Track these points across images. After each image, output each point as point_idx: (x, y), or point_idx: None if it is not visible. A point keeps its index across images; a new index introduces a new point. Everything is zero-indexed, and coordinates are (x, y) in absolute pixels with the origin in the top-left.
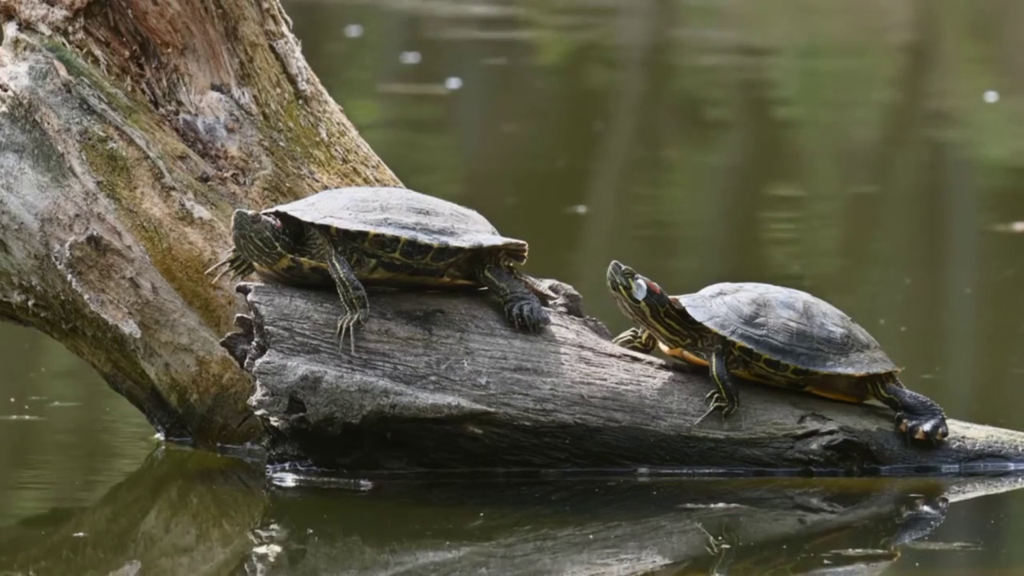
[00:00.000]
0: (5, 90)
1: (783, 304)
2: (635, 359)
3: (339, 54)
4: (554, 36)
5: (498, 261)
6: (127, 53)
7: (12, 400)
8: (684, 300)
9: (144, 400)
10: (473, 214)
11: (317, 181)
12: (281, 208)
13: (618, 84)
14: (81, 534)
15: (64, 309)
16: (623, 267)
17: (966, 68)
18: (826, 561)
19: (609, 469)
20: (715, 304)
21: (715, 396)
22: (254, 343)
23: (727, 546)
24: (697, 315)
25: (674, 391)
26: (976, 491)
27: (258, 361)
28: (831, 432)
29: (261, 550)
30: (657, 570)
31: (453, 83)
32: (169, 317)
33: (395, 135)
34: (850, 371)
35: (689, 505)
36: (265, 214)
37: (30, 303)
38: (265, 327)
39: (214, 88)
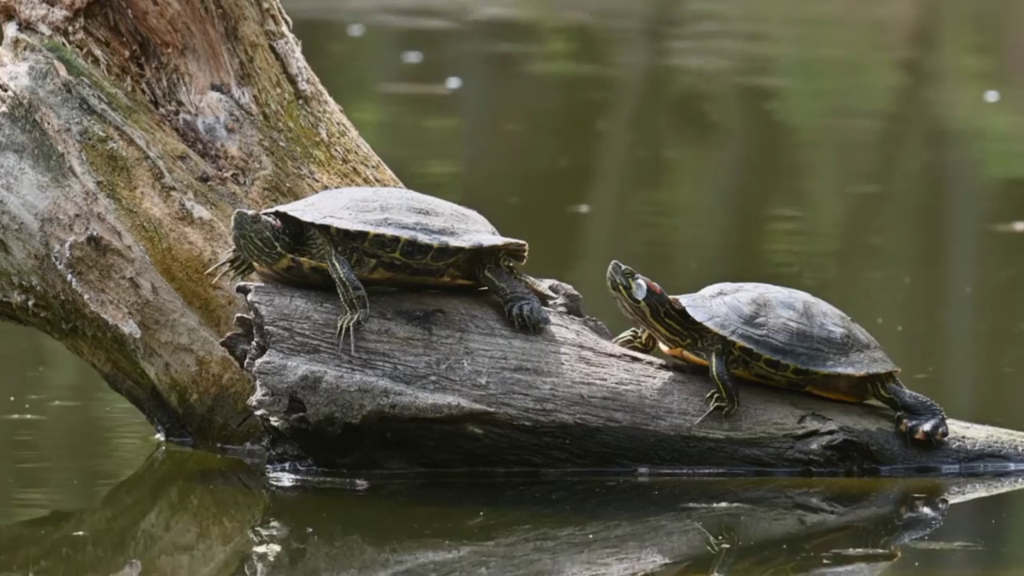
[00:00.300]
0: (5, 90)
1: (783, 304)
2: (635, 359)
3: (341, 53)
4: (555, 35)
5: (498, 261)
6: (127, 53)
7: (12, 399)
8: (684, 300)
9: (144, 400)
10: (473, 214)
11: (317, 181)
12: (281, 208)
13: (619, 84)
14: (81, 533)
15: (64, 309)
16: (623, 267)
17: (967, 68)
18: (826, 561)
19: (609, 469)
20: (715, 304)
21: (715, 396)
22: (254, 343)
23: (727, 546)
24: (697, 315)
25: (674, 391)
26: (976, 491)
27: (258, 361)
28: (831, 432)
29: (261, 550)
30: (657, 570)
31: (453, 83)
32: (169, 317)
33: (396, 135)
34: (850, 371)
35: (689, 505)
36: (265, 214)
37: (30, 303)
38: (265, 327)
39: (214, 88)
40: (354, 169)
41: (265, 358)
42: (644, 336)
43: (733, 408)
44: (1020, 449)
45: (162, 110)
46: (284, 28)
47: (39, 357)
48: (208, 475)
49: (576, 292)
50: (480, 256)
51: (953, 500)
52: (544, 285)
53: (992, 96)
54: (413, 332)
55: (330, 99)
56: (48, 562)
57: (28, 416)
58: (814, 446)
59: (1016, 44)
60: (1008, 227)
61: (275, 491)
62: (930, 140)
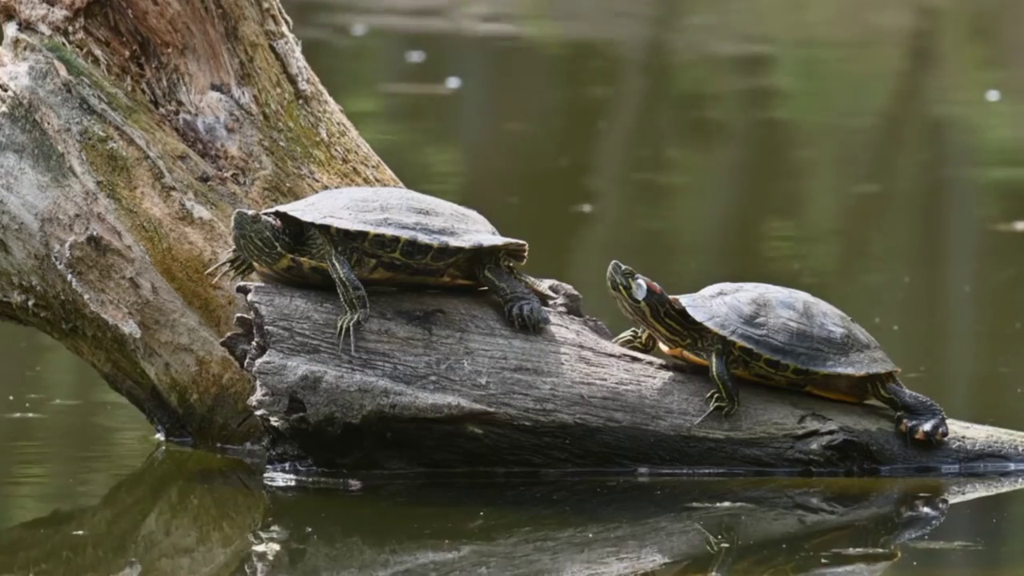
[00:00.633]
0: (5, 90)
1: (783, 304)
2: (635, 359)
3: (344, 53)
4: (556, 35)
5: (498, 261)
6: (127, 53)
7: (11, 398)
8: (684, 300)
9: (144, 400)
10: (473, 214)
11: (317, 181)
12: (281, 208)
13: (620, 83)
14: (81, 533)
15: (64, 309)
16: (623, 267)
17: (968, 67)
18: (826, 561)
19: (609, 469)
20: (715, 304)
21: (715, 396)
22: (254, 343)
23: (727, 546)
24: (697, 315)
25: (674, 391)
26: (976, 491)
27: (258, 361)
28: (831, 432)
29: (261, 550)
30: (657, 570)
31: (453, 82)
32: (169, 317)
33: (396, 135)
34: (850, 371)
35: (689, 505)
36: (265, 214)
37: (30, 303)
38: (265, 327)
39: (214, 88)
40: (354, 169)
41: (265, 358)
42: (644, 336)
43: (733, 408)
44: (1020, 449)
45: (162, 110)
46: (284, 28)
47: (38, 356)
48: (208, 475)
49: (576, 292)
50: (480, 256)
51: (953, 500)
52: (544, 285)
53: (993, 95)
54: (413, 332)
55: (330, 99)
56: (48, 562)
57: (28, 415)
58: (814, 446)
59: (1018, 43)
60: (1008, 227)
61: (275, 491)
62: (930, 139)
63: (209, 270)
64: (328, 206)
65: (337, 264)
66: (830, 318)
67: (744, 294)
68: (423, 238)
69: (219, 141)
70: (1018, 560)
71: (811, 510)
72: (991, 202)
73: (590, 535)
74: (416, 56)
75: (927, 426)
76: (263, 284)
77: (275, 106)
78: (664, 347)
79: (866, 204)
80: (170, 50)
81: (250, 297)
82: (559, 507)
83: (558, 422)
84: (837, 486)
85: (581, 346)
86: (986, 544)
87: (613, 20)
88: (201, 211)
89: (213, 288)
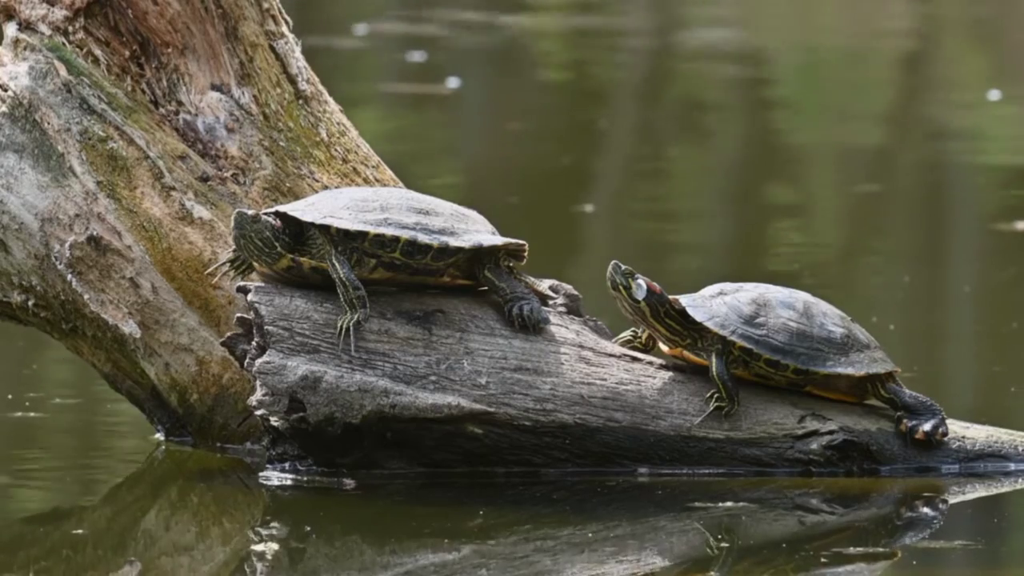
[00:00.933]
0: (5, 90)
1: (783, 304)
2: (635, 359)
3: (345, 53)
4: (557, 35)
5: (498, 261)
6: (127, 53)
7: (9, 396)
8: (684, 300)
9: (144, 400)
10: (473, 214)
11: (317, 181)
12: (281, 208)
13: (621, 83)
14: (81, 532)
15: (64, 309)
16: (623, 267)
17: (969, 66)
18: (826, 561)
19: (609, 469)
20: (715, 304)
21: (715, 396)
22: (254, 343)
23: (727, 546)
24: (697, 315)
25: (674, 391)
26: (976, 491)
27: (258, 361)
28: (831, 432)
29: (261, 549)
30: (657, 570)
31: (452, 82)
32: (169, 317)
33: (397, 135)
34: (850, 371)
35: (689, 505)
36: (265, 214)
37: (30, 303)
38: (265, 327)
39: (214, 88)
40: (354, 169)
41: (265, 358)
42: (644, 336)
43: (733, 408)
44: (1020, 449)
45: (162, 110)
46: (284, 28)
47: (37, 355)
48: (208, 475)
49: (576, 292)
50: (480, 256)
51: (953, 500)
52: (544, 285)
53: (994, 95)
54: (413, 332)
55: (330, 99)
56: (48, 561)
57: (28, 415)
58: (814, 446)
59: (1019, 42)
60: (1008, 227)
61: (275, 491)
62: (931, 139)
63: (209, 270)
64: (328, 206)
65: (337, 264)
66: (830, 318)
67: (744, 294)
68: (423, 238)
69: (219, 141)
70: (1018, 560)
71: (811, 510)
72: (991, 202)
73: (590, 535)
74: (418, 56)
75: (927, 426)
76: (263, 284)
77: (275, 106)
78: (664, 347)
79: (866, 204)
80: (170, 50)
81: (250, 297)
82: (559, 507)
83: (558, 422)
84: (837, 486)
85: (581, 346)
86: (986, 544)
87: (614, 21)
88: (201, 211)
89: (213, 288)
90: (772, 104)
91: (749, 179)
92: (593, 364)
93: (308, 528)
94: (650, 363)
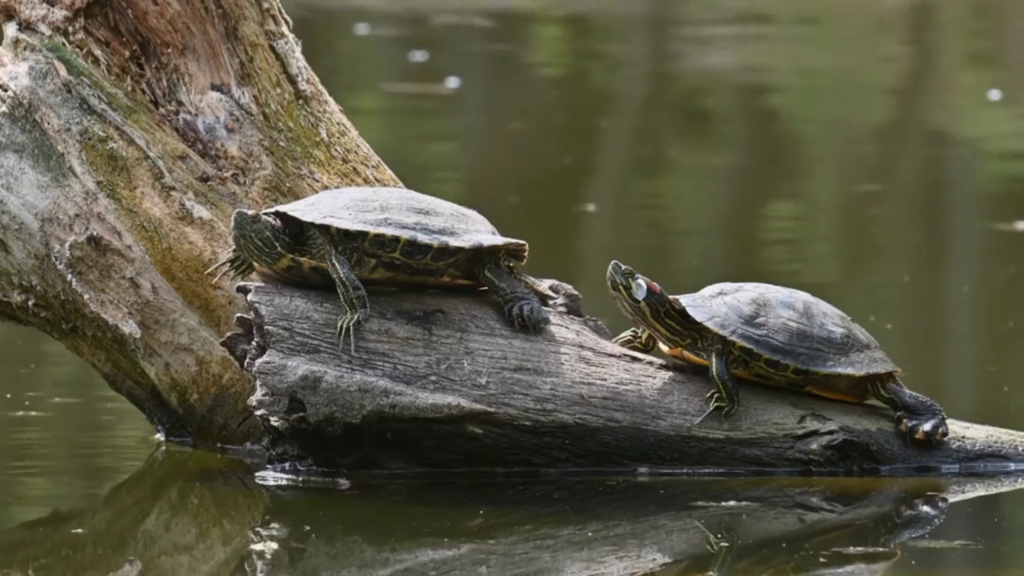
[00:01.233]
0: (5, 90)
1: (783, 304)
2: (635, 359)
3: (347, 53)
4: (557, 33)
5: (498, 261)
6: (127, 53)
7: (8, 396)
8: (684, 300)
9: (144, 400)
10: (473, 214)
11: (317, 181)
12: (281, 208)
13: (621, 83)
14: (81, 532)
15: (64, 309)
16: (623, 267)
17: (969, 66)
18: (826, 560)
19: (609, 469)
20: (715, 304)
21: (715, 396)
22: (254, 343)
23: (727, 545)
24: (697, 315)
25: (674, 391)
26: (976, 491)
27: (258, 361)
28: (831, 432)
29: (261, 549)
30: (657, 569)
31: (452, 82)
32: (169, 317)
33: (397, 135)
34: (850, 371)
35: (689, 505)
36: (265, 214)
37: (30, 303)
38: (265, 327)
39: (214, 88)
40: (354, 169)
41: (265, 358)
42: (644, 336)
43: (733, 408)
44: (1020, 449)
45: (162, 110)
46: (284, 28)
47: (36, 354)
48: (208, 475)
49: (576, 292)
50: (480, 256)
51: (953, 499)
52: (544, 285)
53: (995, 95)
54: (413, 332)
55: (330, 99)
56: (48, 561)
57: (28, 414)
58: (814, 446)
59: (1019, 42)
60: (1009, 226)
61: (273, 491)
62: (931, 139)
63: (209, 270)
64: (328, 206)
65: (337, 264)
66: (830, 318)
67: (744, 294)
68: (423, 238)
69: (219, 141)
70: (1018, 560)
71: (811, 510)
72: (991, 202)
73: (590, 534)
74: (419, 56)
75: (927, 426)
76: (263, 284)
77: (275, 106)
78: (664, 347)
79: (867, 204)
80: (170, 50)
81: (250, 297)
82: (559, 506)
83: (558, 422)
84: (837, 486)
85: (581, 346)
86: (986, 544)
87: (614, 18)
88: (201, 211)
89: (213, 288)
90: (773, 103)
91: (749, 178)
92: (593, 364)
93: (308, 528)
94: (650, 363)
